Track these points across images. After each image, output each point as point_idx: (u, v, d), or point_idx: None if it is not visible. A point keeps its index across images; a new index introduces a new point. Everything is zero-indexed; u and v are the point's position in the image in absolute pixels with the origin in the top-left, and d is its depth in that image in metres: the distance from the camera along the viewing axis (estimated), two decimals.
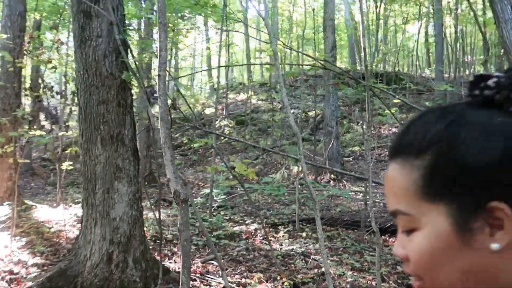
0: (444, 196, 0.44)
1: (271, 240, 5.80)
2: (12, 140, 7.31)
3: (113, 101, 3.35)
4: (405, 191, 0.47)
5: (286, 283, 3.76)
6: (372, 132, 11.42)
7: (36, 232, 5.74)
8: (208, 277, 3.85)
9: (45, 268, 4.02)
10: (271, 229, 6.16)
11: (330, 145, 9.33)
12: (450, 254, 0.44)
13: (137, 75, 3.13)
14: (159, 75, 1.89)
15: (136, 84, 3.57)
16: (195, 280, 3.74)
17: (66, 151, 8.78)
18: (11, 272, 3.90)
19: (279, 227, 6.27)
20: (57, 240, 5.42)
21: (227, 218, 6.76)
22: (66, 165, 8.73)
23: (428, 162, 0.45)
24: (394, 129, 13.28)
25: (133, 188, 3.45)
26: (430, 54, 20.92)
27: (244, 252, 5.24)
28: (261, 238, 5.82)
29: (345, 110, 16.78)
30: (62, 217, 6.83)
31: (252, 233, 6.02)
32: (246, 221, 6.58)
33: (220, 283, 3.76)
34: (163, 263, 3.86)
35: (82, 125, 3.38)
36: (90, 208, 3.36)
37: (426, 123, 0.47)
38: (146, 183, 10.65)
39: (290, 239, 5.58)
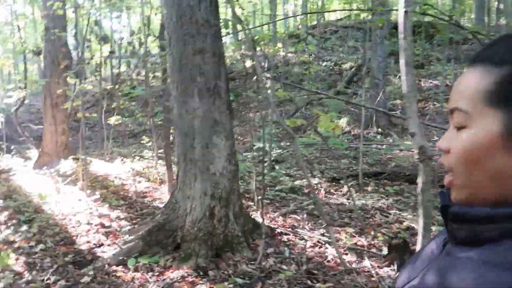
0: (506, 104, 0.49)
1: (335, 194, 5.75)
2: (62, 94, 7.24)
3: (209, 50, 3.15)
4: (472, 92, 0.52)
5: (380, 238, 3.70)
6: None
7: (102, 186, 5.79)
8: (299, 231, 3.82)
9: (134, 222, 4.05)
10: (333, 184, 6.09)
11: (378, 98, 9.01)
12: (490, 153, 0.50)
13: (241, 21, 2.89)
14: (406, 12, 1.63)
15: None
16: (287, 234, 3.71)
17: (112, 106, 8.70)
18: (102, 225, 3.94)
19: (341, 181, 6.19)
20: (126, 194, 5.46)
21: (283, 172, 6.70)
22: (114, 120, 8.72)
23: (505, 72, 0.50)
24: (435, 81, 12.77)
25: (229, 143, 3.33)
26: None
27: (313, 206, 5.21)
28: (324, 192, 5.76)
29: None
30: (118, 171, 6.89)
31: (314, 187, 5.97)
32: (302, 175, 6.50)
33: (310, 237, 3.73)
34: (252, 217, 3.83)
35: (176, 76, 3.22)
36: (189, 163, 3.28)
37: None
38: None
39: (357, 194, 5.50)
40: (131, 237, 3.44)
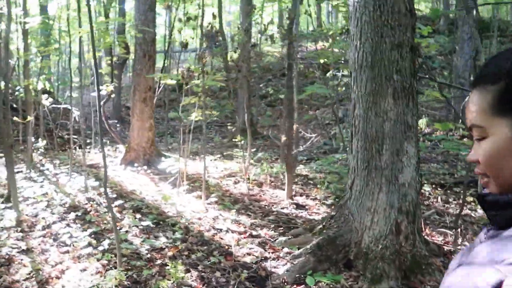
0: (508, 112, 0.60)
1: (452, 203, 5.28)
2: (150, 89, 7.04)
3: (407, 45, 2.76)
4: (481, 109, 0.63)
5: None
6: None
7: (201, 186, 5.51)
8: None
9: (280, 231, 3.72)
10: (439, 191, 5.63)
11: (466, 99, 8.41)
12: (508, 153, 0.61)
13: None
14: None
15: None
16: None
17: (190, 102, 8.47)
18: (251, 235, 3.63)
19: (452, 189, 5.73)
20: (233, 196, 5.16)
21: None
22: (194, 116, 8.48)
23: (501, 86, 0.61)
24: None
25: (418, 150, 2.95)
26: None
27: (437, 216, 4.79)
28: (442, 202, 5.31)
29: (442, 60, 15.41)
30: (209, 170, 6.63)
31: (427, 196, 5.52)
32: None
33: None
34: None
35: (366, 73, 2.85)
36: (373, 171, 2.91)
37: (504, 59, 0.62)
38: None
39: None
40: (299, 251, 3.11)
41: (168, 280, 2.75)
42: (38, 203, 4.32)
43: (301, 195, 5.16)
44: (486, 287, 0.50)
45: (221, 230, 3.75)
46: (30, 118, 5.57)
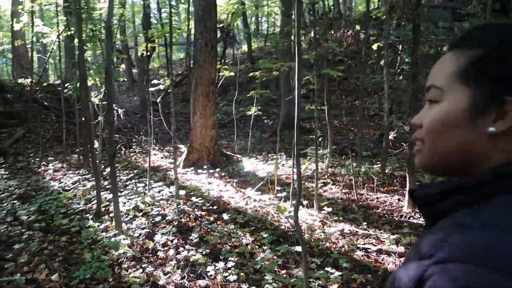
0: (476, 82, 0.55)
1: None
2: (213, 82, 6.40)
3: None
4: (447, 71, 0.58)
5: None
6: None
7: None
8: None
9: None
10: None
11: None
12: (456, 125, 0.56)
13: None
14: None
15: None
16: None
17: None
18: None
19: None
20: (341, 202, 4.56)
21: None
22: (254, 110, 7.86)
23: (478, 53, 0.56)
24: None
25: None
26: None
27: None
28: None
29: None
30: (280, 171, 6.03)
31: None
32: None
33: None
34: None
35: None
36: None
37: (492, 28, 0.57)
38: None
39: None
40: None
41: None
42: (133, 219, 3.72)
43: None
44: (409, 283, 0.50)
45: (374, 252, 3.15)
46: (100, 118, 4.93)
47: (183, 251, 3.11)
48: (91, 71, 6.59)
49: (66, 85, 6.50)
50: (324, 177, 5.70)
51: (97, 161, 5.56)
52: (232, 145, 8.44)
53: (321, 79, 4.12)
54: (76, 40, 8.04)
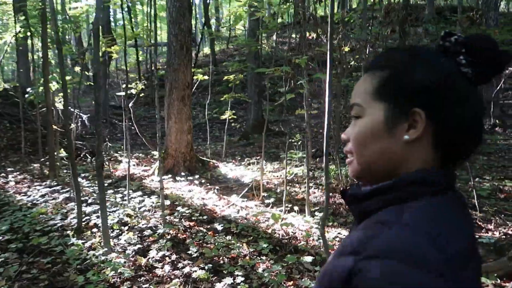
0: (387, 98, 0.64)
1: None
2: (188, 85, 6.17)
3: None
4: (365, 91, 0.67)
5: None
6: None
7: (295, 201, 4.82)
8: None
9: None
10: None
11: (498, 87, 8.33)
12: (377, 136, 0.64)
13: None
14: None
15: None
16: None
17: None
18: None
19: None
20: (333, 206, 4.52)
21: None
22: (228, 114, 7.72)
23: (386, 74, 0.65)
24: None
25: None
26: None
27: None
28: None
29: None
30: (257, 175, 5.92)
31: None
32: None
33: None
34: None
35: None
36: None
37: (397, 52, 0.68)
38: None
39: None
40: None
41: None
42: (119, 234, 3.46)
43: None
44: (338, 276, 0.54)
45: None
46: (73, 126, 4.58)
47: (181, 266, 2.93)
48: (54, 75, 6.16)
49: (28, 89, 6.01)
50: (304, 181, 5.68)
51: (59, 170, 5.19)
52: (203, 150, 8.23)
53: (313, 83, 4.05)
54: (30, 42, 7.49)
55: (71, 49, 6.84)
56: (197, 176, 5.65)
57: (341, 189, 0.70)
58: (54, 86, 5.96)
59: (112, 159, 7.37)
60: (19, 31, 7.04)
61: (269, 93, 14.52)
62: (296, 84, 4.05)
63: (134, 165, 6.73)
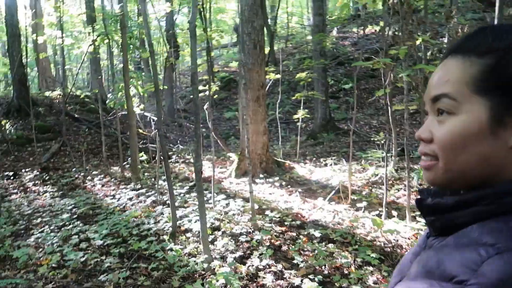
0: (492, 92, 0.52)
1: None
2: (263, 86, 6.05)
3: None
4: (460, 80, 0.54)
5: None
6: None
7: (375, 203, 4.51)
8: None
9: None
10: None
11: None
12: (478, 138, 0.53)
13: None
14: None
15: None
16: None
17: None
18: None
19: None
20: None
21: None
22: (301, 114, 7.52)
23: (490, 62, 0.52)
24: None
25: None
26: None
27: None
28: None
29: None
30: (341, 178, 5.63)
31: None
32: None
33: None
34: None
35: None
36: None
37: (499, 32, 0.54)
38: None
39: None
40: None
41: None
42: (215, 239, 3.36)
43: None
44: None
45: None
46: (153, 132, 4.61)
47: (287, 276, 2.74)
48: (132, 80, 6.31)
49: (108, 95, 6.21)
50: (391, 183, 5.30)
51: (140, 174, 5.26)
52: (272, 151, 8.08)
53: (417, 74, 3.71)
54: (107, 49, 7.75)
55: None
56: (276, 178, 5.49)
57: (415, 199, 0.61)
58: (132, 91, 6.11)
59: (186, 161, 7.45)
60: (95, 39, 7.33)
61: (333, 90, 14.14)
62: (395, 77, 3.72)
63: (208, 167, 6.73)
